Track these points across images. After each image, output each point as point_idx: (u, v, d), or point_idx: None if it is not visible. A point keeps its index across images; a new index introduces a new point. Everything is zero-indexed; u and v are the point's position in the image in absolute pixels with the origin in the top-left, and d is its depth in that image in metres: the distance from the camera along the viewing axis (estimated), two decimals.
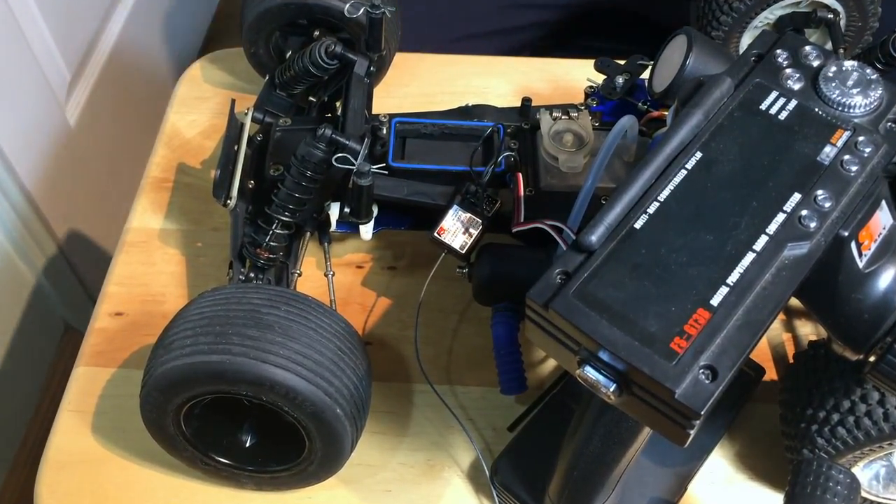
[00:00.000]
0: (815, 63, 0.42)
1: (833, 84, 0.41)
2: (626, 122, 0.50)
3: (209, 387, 0.46)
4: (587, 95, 0.61)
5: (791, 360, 0.55)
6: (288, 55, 0.66)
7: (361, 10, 0.59)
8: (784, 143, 0.39)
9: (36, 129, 1.01)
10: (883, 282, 0.40)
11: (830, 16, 0.60)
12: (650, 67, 0.54)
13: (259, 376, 0.45)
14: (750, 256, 0.36)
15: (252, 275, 0.56)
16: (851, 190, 0.38)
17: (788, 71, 0.42)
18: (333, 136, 0.51)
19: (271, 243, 0.55)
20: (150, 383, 0.47)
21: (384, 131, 0.59)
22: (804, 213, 0.37)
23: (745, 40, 0.68)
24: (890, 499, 0.52)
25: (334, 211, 0.57)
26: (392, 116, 0.59)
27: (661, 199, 0.37)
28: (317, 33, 0.65)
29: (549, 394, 0.57)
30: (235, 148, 0.58)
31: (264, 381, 0.45)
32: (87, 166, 1.12)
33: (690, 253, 0.36)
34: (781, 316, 0.63)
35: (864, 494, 0.52)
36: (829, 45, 0.64)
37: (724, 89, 0.41)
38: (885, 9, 0.66)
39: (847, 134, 0.40)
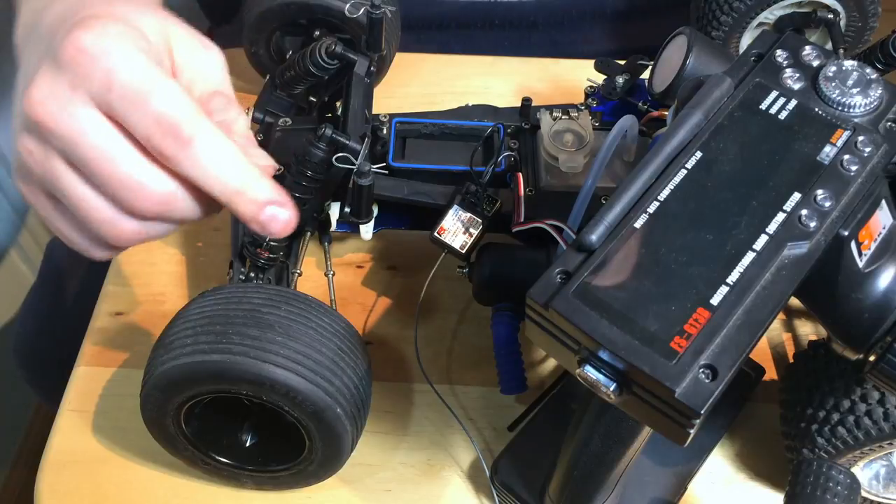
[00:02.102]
0: (815, 63, 0.42)
1: (833, 84, 0.41)
2: (627, 121, 0.50)
3: (209, 386, 0.46)
4: (587, 95, 0.61)
5: (791, 360, 0.55)
6: (288, 55, 0.66)
7: (362, 10, 0.59)
8: (784, 142, 0.39)
9: None
10: (883, 281, 0.40)
11: (830, 16, 0.60)
12: (650, 67, 0.54)
13: (259, 376, 0.45)
14: (750, 256, 0.36)
15: (252, 274, 0.56)
16: (851, 189, 0.38)
17: (788, 71, 0.42)
18: (334, 135, 0.51)
19: (271, 243, 0.55)
20: (151, 383, 0.47)
21: (384, 131, 0.59)
22: (804, 212, 0.37)
23: (746, 40, 0.68)
24: (890, 499, 0.52)
25: (334, 211, 0.57)
26: (392, 116, 0.59)
27: (662, 199, 0.37)
28: (317, 33, 0.65)
29: (550, 393, 0.57)
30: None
31: (264, 380, 0.45)
32: None
33: (690, 252, 0.36)
34: (781, 315, 0.63)
35: (864, 494, 0.52)
36: (829, 45, 0.64)
37: (723, 89, 0.41)
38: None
39: (847, 133, 0.40)
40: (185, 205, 0.39)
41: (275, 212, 0.40)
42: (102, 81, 0.35)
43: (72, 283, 0.76)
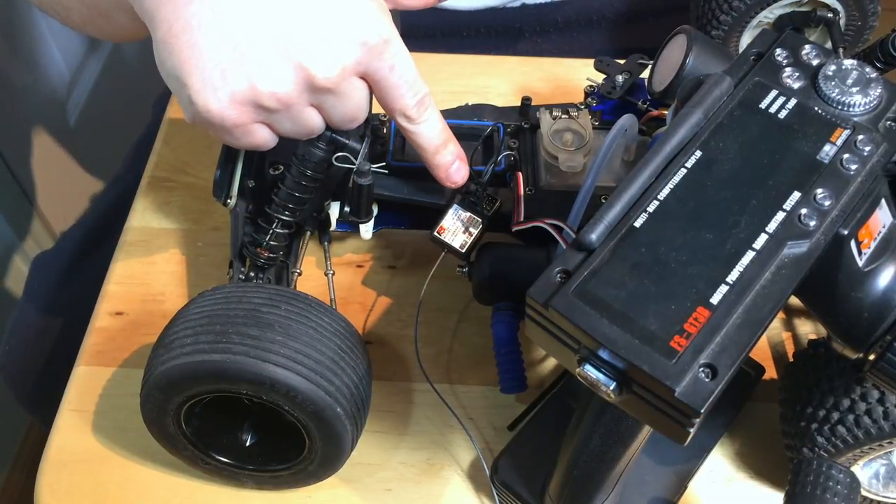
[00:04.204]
0: (815, 62, 0.42)
1: (832, 83, 0.41)
2: (626, 121, 0.50)
3: (209, 386, 0.46)
4: (587, 95, 0.61)
5: (791, 359, 0.55)
6: None
7: None
8: (784, 141, 0.39)
9: (36, 129, 1.01)
10: (882, 280, 0.40)
11: (830, 15, 0.60)
12: (650, 67, 0.54)
13: (259, 375, 0.45)
14: (750, 255, 0.36)
15: (252, 274, 0.56)
16: (851, 188, 0.38)
17: (788, 70, 0.42)
18: (334, 135, 0.51)
19: (271, 242, 0.55)
20: (151, 382, 0.47)
21: (384, 131, 0.59)
22: (804, 211, 0.37)
23: (745, 39, 0.68)
24: (890, 497, 0.52)
25: (334, 210, 0.57)
26: None
27: (661, 198, 0.37)
28: None
29: (550, 393, 0.57)
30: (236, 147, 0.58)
31: (264, 379, 0.45)
32: (86, 167, 1.13)
33: (690, 251, 0.36)
34: (781, 314, 0.63)
35: (864, 493, 0.52)
36: (828, 45, 0.64)
37: (723, 88, 0.41)
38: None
39: (847, 132, 0.40)
40: None
41: (459, 165, 0.52)
42: (388, 65, 0.46)
43: (60, 299, 0.76)
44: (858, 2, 0.65)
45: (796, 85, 0.41)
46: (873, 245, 0.40)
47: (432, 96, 0.49)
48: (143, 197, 0.69)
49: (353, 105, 0.46)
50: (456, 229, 0.54)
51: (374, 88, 0.47)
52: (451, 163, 0.52)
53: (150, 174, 0.71)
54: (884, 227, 0.41)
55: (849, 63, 0.41)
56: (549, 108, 0.59)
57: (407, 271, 0.65)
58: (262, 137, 0.47)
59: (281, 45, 0.43)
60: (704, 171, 0.38)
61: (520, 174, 0.55)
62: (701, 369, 0.33)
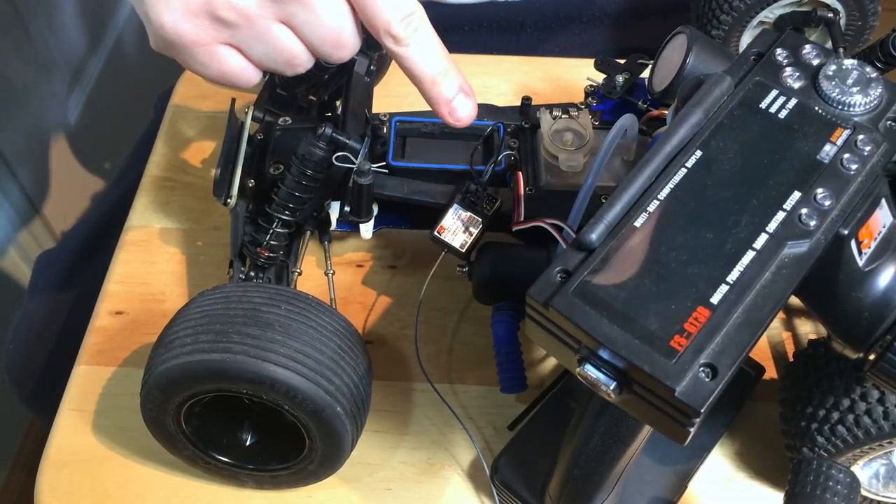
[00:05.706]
0: (815, 62, 0.42)
1: (833, 83, 0.41)
2: (626, 120, 0.50)
3: (209, 385, 0.46)
4: (587, 94, 0.61)
5: (791, 359, 0.55)
6: None
7: None
8: (784, 141, 0.39)
9: (36, 129, 1.01)
10: (883, 280, 0.40)
11: (830, 15, 0.60)
12: (650, 66, 0.54)
13: (259, 375, 0.45)
14: (750, 255, 0.36)
15: (252, 273, 0.56)
16: (851, 188, 0.38)
17: (788, 70, 0.42)
18: (334, 134, 0.51)
19: (271, 242, 0.55)
20: (151, 382, 0.47)
21: (384, 130, 0.59)
22: (804, 211, 0.37)
23: (746, 39, 0.68)
24: (890, 497, 0.52)
25: (334, 210, 0.57)
26: (392, 115, 0.59)
27: (661, 198, 0.37)
28: None
29: (550, 392, 0.57)
30: (236, 147, 0.58)
31: (264, 379, 0.45)
32: (87, 166, 1.13)
33: (690, 251, 0.36)
34: (781, 314, 0.63)
35: (864, 493, 0.52)
36: (829, 45, 0.64)
37: (723, 88, 0.41)
38: None
39: (847, 132, 0.40)
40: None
41: (463, 99, 0.45)
42: None
43: (64, 298, 0.76)
44: (859, 2, 0.65)
45: (796, 85, 0.41)
46: (873, 245, 0.40)
47: (425, 15, 0.43)
48: (143, 196, 0.69)
49: (330, 23, 0.41)
50: (456, 229, 0.54)
51: (354, 5, 0.42)
52: (452, 96, 0.45)
53: (150, 173, 0.71)
54: (884, 226, 0.41)
55: (849, 63, 0.41)
56: (550, 107, 0.59)
57: (407, 271, 0.65)
58: (233, 65, 0.42)
59: None
60: (705, 171, 0.38)
61: (520, 174, 0.55)
62: (701, 369, 0.33)
